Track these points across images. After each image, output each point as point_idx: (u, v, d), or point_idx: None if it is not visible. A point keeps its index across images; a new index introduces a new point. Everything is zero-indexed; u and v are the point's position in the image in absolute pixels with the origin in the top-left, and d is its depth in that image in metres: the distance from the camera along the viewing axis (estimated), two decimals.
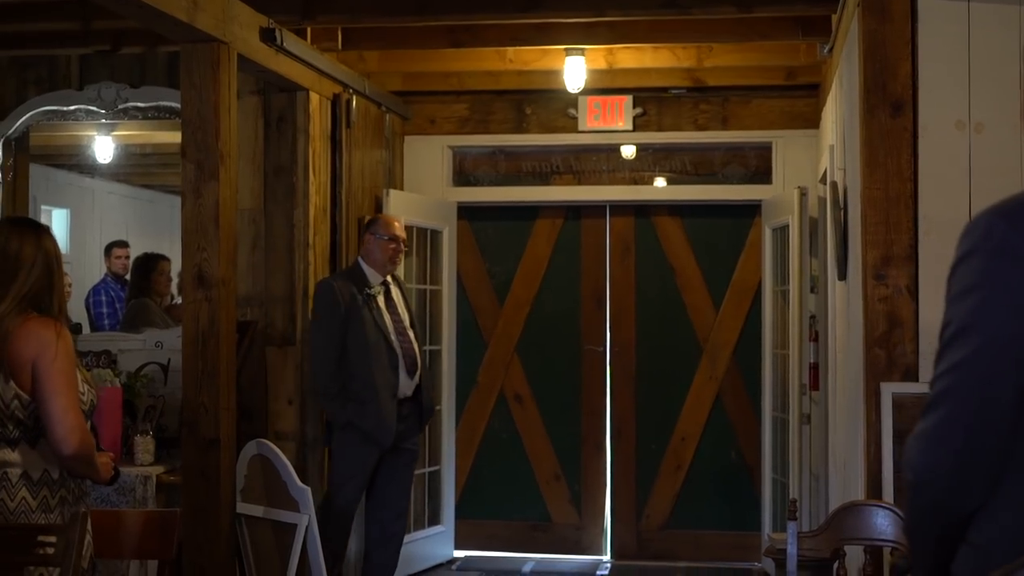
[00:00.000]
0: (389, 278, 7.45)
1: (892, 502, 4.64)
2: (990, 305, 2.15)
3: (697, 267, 9.49)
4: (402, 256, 7.55)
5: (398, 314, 7.42)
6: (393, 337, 7.25)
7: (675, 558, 9.36)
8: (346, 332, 7.10)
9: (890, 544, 4.19)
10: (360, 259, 7.39)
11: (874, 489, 5.00)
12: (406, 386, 7.31)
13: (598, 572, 9.14)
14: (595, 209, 9.64)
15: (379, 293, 7.31)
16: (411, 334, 7.44)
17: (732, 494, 9.34)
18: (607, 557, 9.49)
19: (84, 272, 10.89)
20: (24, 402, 4.21)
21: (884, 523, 4.22)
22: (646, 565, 9.28)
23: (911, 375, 5.08)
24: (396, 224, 7.46)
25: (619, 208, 9.61)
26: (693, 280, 9.50)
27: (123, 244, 9.74)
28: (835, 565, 4.40)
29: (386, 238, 7.33)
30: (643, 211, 9.59)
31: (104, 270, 9.77)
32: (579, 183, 9.66)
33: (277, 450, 6.34)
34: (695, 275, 9.49)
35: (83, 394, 4.34)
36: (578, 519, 9.64)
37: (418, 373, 7.40)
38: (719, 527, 9.36)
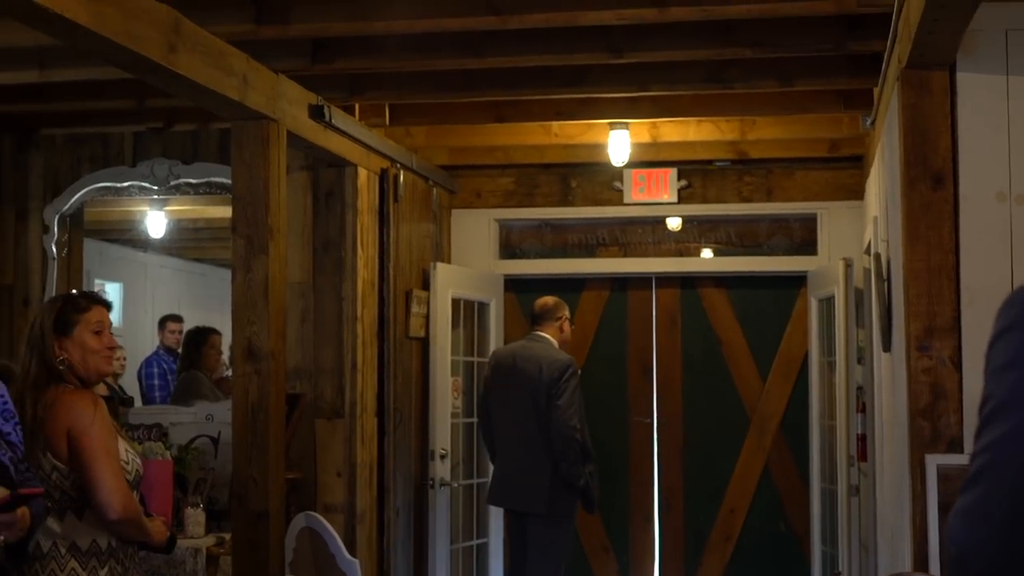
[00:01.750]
0: None
1: (937, 574, 4.63)
2: None
3: (743, 338, 9.52)
4: None
5: None
6: None
7: None
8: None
9: None
10: (550, 338, 8.02)
11: (920, 560, 4.99)
12: None
13: None
14: (641, 281, 9.70)
15: None
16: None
17: (781, 565, 9.29)
18: None
19: (137, 345, 11.00)
20: (63, 472, 4.26)
21: None
22: None
23: (956, 446, 5.07)
24: (565, 306, 8.25)
25: (665, 280, 9.67)
26: (739, 351, 9.52)
27: (177, 318, 9.86)
28: None
29: (569, 319, 8.19)
30: (689, 283, 9.64)
31: (157, 343, 9.87)
32: (625, 255, 9.72)
33: (326, 522, 6.38)
34: (741, 346, 9.51)
35: (127, 463, 4.39)
36: None
37: None
38: None
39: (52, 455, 4.27)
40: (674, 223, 9.60)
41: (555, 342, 8.03)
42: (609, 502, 9.53)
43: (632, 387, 9.69)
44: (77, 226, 8.11)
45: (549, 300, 8.23)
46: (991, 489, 2.16)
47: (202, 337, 8.55)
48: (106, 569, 4.34)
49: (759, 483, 9.44)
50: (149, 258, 12.01)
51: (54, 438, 4.28)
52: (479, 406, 8.45)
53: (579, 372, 7.91)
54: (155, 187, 7.80)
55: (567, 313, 8.19)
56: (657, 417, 9.66)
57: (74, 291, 6.06)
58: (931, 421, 5.09)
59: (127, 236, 10.25)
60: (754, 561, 9.39)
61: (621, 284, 9.72)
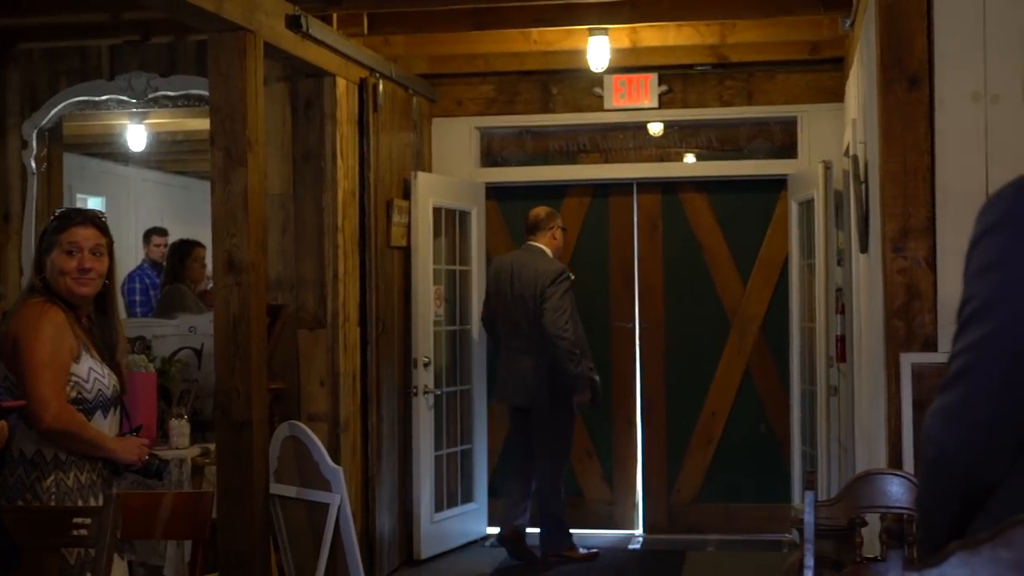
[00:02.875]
0: None
1: (912, 471, 4.69)
2: (1015, 281, 2.13)
3: (724, 242, 9.55)
4: None
5: None
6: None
7: (706, 531, 9.45)
8: (573, 310, 8.48)
9: (906, 511, 4.24)
10: (543, 248, 8.66)
11: (895, 458, 5.06)
12: None
13: (630, 546, 9.23)
14: (622, 187, 9.71)
15: None
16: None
17: (762, 467, 9.40)
18: (639, 531, 9.58)
19: (121, 259, 10.99)
20: (13, 380, 4.28)
21: (899, 491, 4.28)
22: (677, 538, 9.36)
23: (930, 346, 5.12)
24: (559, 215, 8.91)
25: (646, 185, 9.68)
26: (720, 255, 9.56)
27: (162, 232, 9.86)
28: (854, 533, 4.46)
29: (561, 227, 8.83)
30: (670, 188, 9.64)
31: (142, 257, 9.88)
32: (606, 161, 9.73)
33: (309, 431, 6.44)
34: (722, 250, 9.55)
35: (85, 381, 4.40)
36: (610, 494, 9.75)
37: None
38: (749, 500, 9.43)
39: (3, 362, 4.29)
40: (655, 128, 9.61)
41: (548, 251, 8.63)
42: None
43: (614, 293, 9.74)
44: (56, 141, 8.09)
45: (541, 211, 8.71)
46: (972, 390, 2.18)
47: (185, 250, 8.55)
48: (50, 479, 4.35)
49: (740, 386, 9.52)
50: (131, 172, 11.98)
51: (3, 345, 4.31)
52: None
53: (571, 278, 8.51)
54: (133, 100, 7.76)
55: (559, 222, 8.70)
56: (639, 322, 9.71)
57: (66, 208, 6.03)
58: (906, 321, 5.15)
59: (107, 150, 10.22)
60: (735, 463, 9.49)
61: (602, 190, 9.73)
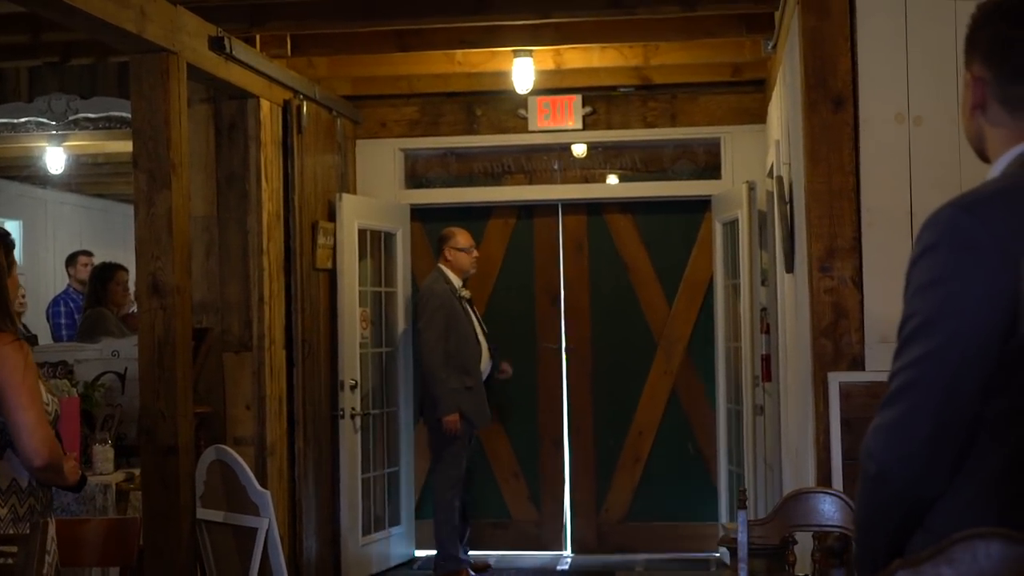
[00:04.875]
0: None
1: (841, 489, 4.73)
2: (957, 298, 2.15)
3: (650, 263, 9.59)
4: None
5: (474, 314, 8.81)
6: (479, 331, 8.72)
7: (635, 550, 9.46)
8: (448, 328, 8.54)
9: (838, 529, 4.27)
10: (443, 268, 8.76)
11: (824, 476, 5.09)
12: (486, 374, 8.79)
13: (559, 567, 9.21)
14: (547, 208, 9.74)
15: (467, 295, 8.76)
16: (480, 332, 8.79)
17: (690, 486, 9.44)
18: (567, 552, 9.57)
19: (39, 283, 10.87)
20: None
21: (831, 509, 4.30)
22: (607, 559, 9.36)
23: (858, 364, 5.17)
24: (467, 235, 8.89)
25: (571, 207, 9.71)
26: (646, 276, 9.60)
27: (88, 253, 9.77)
28: (785, 552, 4.49)
29: (470, 250, 8.81)
30: (595, 209, 9.68)
31: (65, 281, 9.77)
32: (531, 183, 9.74)
33: (236, 455, 6.38)
34: (648, 271, 9.60)
35: (47, 404, 4.36)
36: (537, 515, 9.73)
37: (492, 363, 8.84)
38: (678, 519, 9.45)
39: None
40: (579, 150, 9.63)
41: (448, 271, 8.77)
42: (518, 428, 9.62)
43: (540, 313, 9.75)
44: None
45: (443, 232, 8.90)
46: (914, 406, 2.20)
47: (108, 273, 8.47)
48: (25, 507, 4.31)
49: (667, 405, 9.55)
50: (49, 194, 11.84)
51: None
52: None
53: (443, 294, 8.65)
54: (53, 122, 7.68)
55: (455, 242, 8.80)
56: (565, 343, 9.72)
57: None
58: (833, 340, 5.19)
59: (26, 173, 10.11)
60: (663, 482, 9.52)
61: (527, 212, 9.74)
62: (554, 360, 9.74)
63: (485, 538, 9.54)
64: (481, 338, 8.73)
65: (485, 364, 8.75)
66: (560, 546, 9.66)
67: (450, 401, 8.45)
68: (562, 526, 9.71)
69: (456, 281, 8.74)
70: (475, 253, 8.88)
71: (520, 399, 9.66)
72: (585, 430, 9.68)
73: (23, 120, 7.73)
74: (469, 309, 8.75)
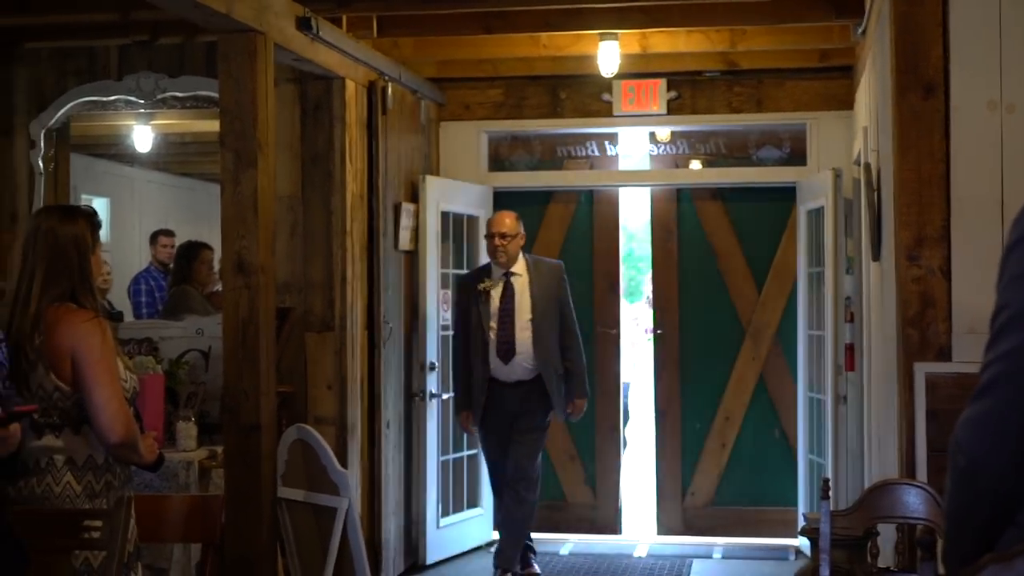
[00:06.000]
0: (522, 269, 8.19)
1: (926, 480, 4.67)
2: None
3: (739, 249, 9.54)
4: (506, 249, 8.13)
5: (511, 304, 8.11)
6: (490, 325, 8.07)
7: (720, 534, 9.45)
8: (468, 322, 8.18)
9: (922, 522, 4.22)
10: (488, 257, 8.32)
11: (908, 468, 5.03)
12: (505, 371, 8.07)
13: (635, 554, 9.17)
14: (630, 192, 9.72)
15: (494, 286, 8.14)
16: (520, 322, 8.07)
17: (775, 471, 9.36)
18: (635, 539, 9.55)
19: (125, 260, 10.97)
20: (66, 393, 4.27)
21: (916, 501, 4.25)
22: (683, 547, 9.32)
23: (944, 355, 5.10)
24: (495, 219, 8.28)
25: (662, 192, 9.70)
26: (735, 262, 9.56)
27: (169, 233, 9.83)
28: (868, 543, 4.44)
29: (489, 235, 8.19)
30: (685, 195, 9.64)
31: (148, 258, 9.85)
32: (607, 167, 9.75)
33: (317, 435, 6.41)
34: (737, 257, 9.54)
35: (125, 381, 4.40)
36: (593, 499, 9.78)
37: (518, 358, 8.04)
38: (764, 503, 9.39)
39: (55, 375, 4.26)
40: (663, 134, 9.59)
41: (490, 260, 8.29)
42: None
43: (598, 298, 9.82)
44: (63, 141, 8.06)
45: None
46: (1005, 400, 2.14)
47: (193, 252, 8.53)
48: (102, 483, 4.36)
49: (754, 392, 9.50)
50: (136, 173, 11.95)
51: (57, 359, 4.27)
52: None
53: (460, 284, 8.46)
54: (141, 101, 7.74)
55: (489, 229, 8.26)
56: (654, 328, 9.80)
57: (67, 205, 5.99)
58: (920, 330, 5.13)
59: (114, 151, 10.19)
60: (749, 467, 9.47)
61: (588, 196, 9.83)
62: (611, 344, 9.81)
63: (541, 520, 9.46)
64: (492, 335, 8.09)
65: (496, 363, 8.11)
66: (615, 530, 9.72)
67: (458, 399, 8.35)
68: (616, 510, 9.77)
69: (496, 271, 8.20)
70: (497, 241, 8.10)
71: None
72: (672, 415, 9.68)
73: (112, 98, 7.81)
74: (492, 299, 8.13)
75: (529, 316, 8.07)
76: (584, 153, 9.73)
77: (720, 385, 9.59)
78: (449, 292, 8.96)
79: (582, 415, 8.33)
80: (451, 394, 8.85)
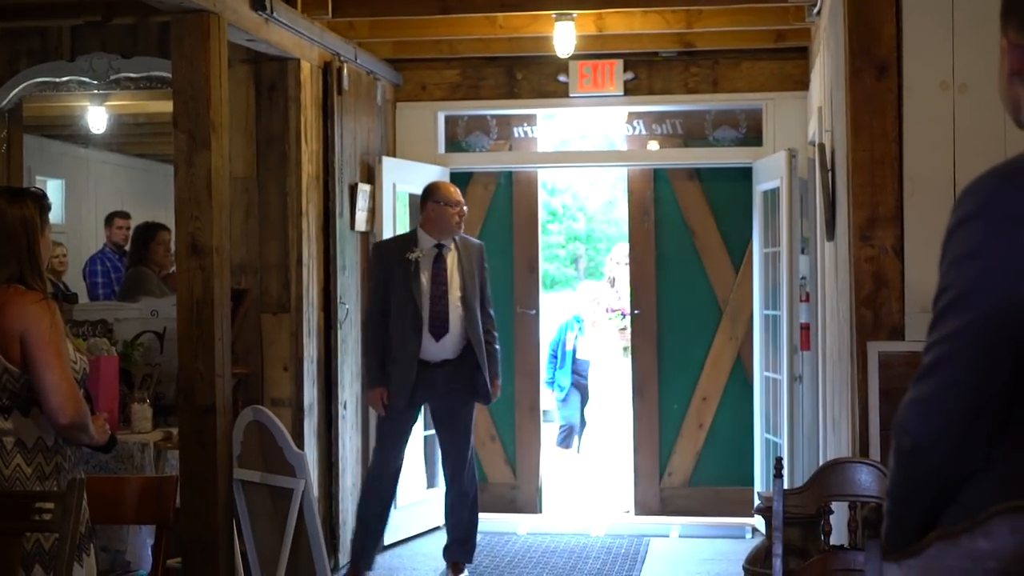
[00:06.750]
0: (451, 245, 7.69)
1: (878, 459, 4.70)
2: (994, 270, 2.10)
3: (716, 229, 9.57)
4: (461, 222, 7.74)
5: (444, 278, 7.63)
6: (423, 301, 7.52)
7: (696, 515, 9.49)
8: (388, 294, 7.53)
9: (874, 500, 4.25)
10: (420, 226, 7.69)
11: (861, 446, 5.07)
12: (433, 350, 7.57)
13: (592, 533, 9.20)
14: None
15: (423, 257, 7.58)
16: (452, 299, 7.62)
17: (752, 452, 9.32)
18: (592, 519, 9.60)
19: (80, 242, 10.91)
20: (15, 375, 4.26)
21: (868, 479, 4.28)
22: (642, 522, 9.37)
23: (897, 334, 5.13)
24: (453, 189, 7.78)
25: (638, 171, 9.76)
26: (712, 242, 9.59)
27: (124, 215, 9.79)
28: (821, 521, 4.47)
29: (452, 204, 7.62)
30: (661, 174, 9.67)
31: (103, 240, 9.81)
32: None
33: (273, 416, 6.41)
34: (714, 237, 9.58)
35: (75, 363, 4.38)
36: (513, 479, 9.88)
37: (449, 336, 7.59)
38: (742, 483, 9.36)
39: (4, 357, 4.25)
40: (630, 114, 9.61)
41: (421, 230, 7.66)
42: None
43: (517, 279, 9.89)
44: (16, 122, 8.01)
45: (428, 186, 7.92)
46: (949, 381, 2.15)
47: (150, 233, 8.50)
48: (52, 465, 4.35)
49: (731, 372, 9.54)
50: (90, 154, 11.88)
51: (6, 341, 4.26)
52: None
53: (381, 252, 7.77)
54: (95, 82, 7.68)
55: (439, 195, 7.67)
56: (631, 308, 9.87)
57: (28, 188, 5.93)
58: (873, 309, 5.16)
59: (68, 132, 10.15)
60: (726, 447, 9.49)
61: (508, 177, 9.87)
62: (530, 325, 9.90)
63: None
64: (424, 311, 7.56)
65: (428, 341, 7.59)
66: (536, 509, 9.82)
67: (370, 374, 7.77)
68: (537, 489, 9.87)
69: (426, 241, 7.63)
70: (460, 210, 7.70)
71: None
72: (650, 394, 9.71)
73: (65, 79, 7.75)
74: (422, 272, 7.58)
75: (460, 293, 7.66)
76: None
77: (697, 365, 9.63)
78: None
79: (498, 396, 8.05)
80: None
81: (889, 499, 2.33)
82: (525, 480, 9.88)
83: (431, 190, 7.74)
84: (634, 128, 9.69)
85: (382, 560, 8.31)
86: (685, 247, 9.63)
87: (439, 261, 7.64)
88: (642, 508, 9.71)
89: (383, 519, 7.82)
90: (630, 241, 9.86)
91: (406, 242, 7.70)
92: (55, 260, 8.60)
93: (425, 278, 7.58)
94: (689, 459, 9.66)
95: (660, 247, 9.69)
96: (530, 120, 9.75)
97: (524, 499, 9.85)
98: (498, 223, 9.82)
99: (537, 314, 9.89)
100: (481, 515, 8.03)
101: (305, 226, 7.55)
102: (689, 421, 9.65)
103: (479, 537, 8.09)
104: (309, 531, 6.25)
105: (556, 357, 12.02)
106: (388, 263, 7.58)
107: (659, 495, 9.69)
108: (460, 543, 7.91)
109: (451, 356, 7.64)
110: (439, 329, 7.59)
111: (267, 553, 6.39)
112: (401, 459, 7.73)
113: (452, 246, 7.70)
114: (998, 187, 2.14)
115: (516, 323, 9.82)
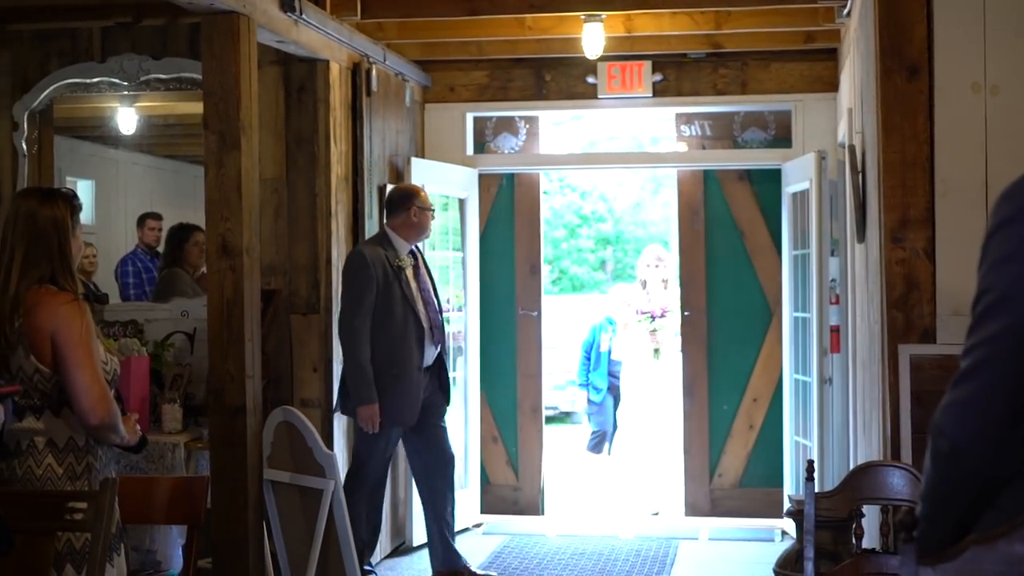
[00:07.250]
0: (416, 248, 7.48)
1: (910, 462, 4.68)
2: None
3: (767, 230, 9.51)
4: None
5: (427, 283, 7.43)
6: (420, 308, 7.26)
7: (748, 515, 9.48)
8: (376, 305, 7.12)
9: (906, 503, 4.23)
10: (388, 230, 7.36)
11: (893, 449, 5.05)
12: (427, 357, 7.34)
13: (622, 535, 9.18)
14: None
15: (408, 265, 7.30)
16: (438, 303, 7.46)
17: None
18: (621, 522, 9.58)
19: (110, 243, 10.93)
20: (46, 376, 4.28)
21: (900, 483, 4.26)
22: (672, 525, 9.35)
23: (929, 337, 5.11)
24: (425, 193, 7.54)
25: (688, 172, 9.72)
26: (762, 243, 9.53)
27: (156, 216, 9.80)
28: (852, 525, 4.45)
29: (431, 208, 7.47)
30: (711, 175, 9.63)
31: (135, 241, 9.83)
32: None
33: (303, 416, 6.41)
34: (764, 238, 9.52)
35: (105, 363, 4.40)
36: (516, 480, 9.86)
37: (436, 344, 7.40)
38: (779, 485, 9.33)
39: (35, 358, 4.27)
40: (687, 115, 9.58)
41: (399, 237, 7.31)
42: (499, 393, 9.80)
43: (519, 281, 9.88)
44: (47, 123, 8.04)
45: (402, 188, 7.67)
46: (987, 384, 2.14)
47: (184, 234, 8.51)
48: (83, 465, 4.37)
49: (782, 373, 9.46)
50: (120, 155, 11.90)
51: (37, 341, 4.28)
52: None
53: (370, 259, 7.12)
54: (125, 83, 7.72)
55: (419, 201, 7.39)
56: (681, 309, 9.85)
57: (55, 188, 5.95)
58: (904, 312, 5.14)
59: (98, 133, 10.16)
60: (777, 448, 9.43)
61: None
62: (532, 327, 9.88)
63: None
64: (423, 319, 7.27)
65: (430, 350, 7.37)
66: (538, 511, 9.79)
67: (359, 391, 7.11)
68: (539, 491, 9.85)
69: (402, 247, 7.34)
70: (433, 213, 7.54)
71: (502, 365, 9.79)
72: (700, 395, 9.69)
73: (95, 80, 7.79)
74: (411, 279, 7.31)
75: (437, 297, 7.51)
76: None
77: (748, 366, 9.59)
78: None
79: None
80: None
81: (924, 502, 2.31)
82: (527, 482, 9.85)
83: (412, 193, 7.42)
84: (689, 129, 9.65)
85: (410, 561, 8.32)
86: (735, 248, 9.59)
87: (418, 266, 7.43)
88: (692, 509, 9.69)
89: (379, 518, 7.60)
90: (680, 242, 9.84)
91: (384, 248, 7.26)
92: (85, 260, 8.62)
93: (415, 285, 7.32)
94: (740, 460, 9.64)
95: (710, 248, 9.65)
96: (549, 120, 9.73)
97: (526, 501, 9.82)
98: (500, 224, 9.81)
99: (539, 315, 9.87)
100: (507, 517, 7.99)
101: (334, 227, 7.56)
102: (739, 422, 9.63)
103: (508, 539, 8.07)
104: (339, 532, 6.26)
105: (590, 359, 11.98)
106: (376, 271, 7.13)
107: (709, 496, 9.67)
108: (452, 541, 7.70)
109: (431, 363, 7.40)
110: (440, 336, 7.40)
111: (297, 553, 6.40)
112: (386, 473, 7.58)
113: (418, 252, 7.53)
114: None
115: (518, 324, 9.82)
